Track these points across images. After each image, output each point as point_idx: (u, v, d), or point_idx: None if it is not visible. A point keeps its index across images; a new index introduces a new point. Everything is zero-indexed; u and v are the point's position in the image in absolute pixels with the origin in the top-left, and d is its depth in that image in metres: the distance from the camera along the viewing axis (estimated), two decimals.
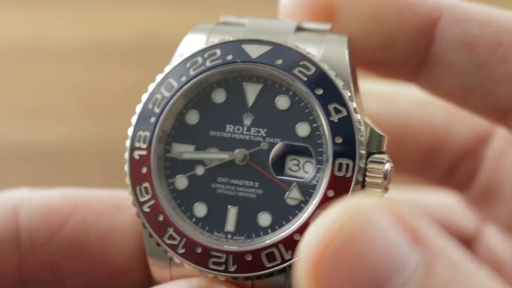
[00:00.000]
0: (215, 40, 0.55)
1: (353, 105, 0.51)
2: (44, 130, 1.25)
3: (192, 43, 0.55)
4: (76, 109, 1.28)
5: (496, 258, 0.71)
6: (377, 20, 0.55)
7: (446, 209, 0.74)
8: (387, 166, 0.51)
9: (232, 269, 0.51)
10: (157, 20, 1.34)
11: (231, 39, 0.54)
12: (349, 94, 0.51)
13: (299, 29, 0.56)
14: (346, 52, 0.53)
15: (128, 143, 0.54)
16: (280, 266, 0.51)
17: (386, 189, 0.52)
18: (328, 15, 0.56)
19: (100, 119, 1.26)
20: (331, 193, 0.50)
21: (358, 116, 0.51)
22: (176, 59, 0.54)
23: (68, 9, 1.35)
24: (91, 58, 1.32)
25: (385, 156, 0.52)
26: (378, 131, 0.52)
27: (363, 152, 0.51)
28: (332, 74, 0.52)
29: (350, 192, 0.50)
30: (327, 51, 0.53)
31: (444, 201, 0.74)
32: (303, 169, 0.53)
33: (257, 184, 0.53)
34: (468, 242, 0.72)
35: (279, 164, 0.53)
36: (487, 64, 0.54)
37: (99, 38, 1.33)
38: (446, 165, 0.69)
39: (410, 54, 0.56)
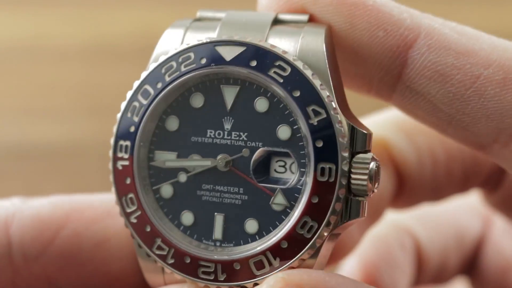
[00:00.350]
0: (191, 37, 0.53)
1: (332, 105, 0.49)
2: (44, 130, 1.26)
3: (170, 39, 0.54)
4: (76, 109, 1.28)
5: (505, 258, 0.71)
6: (349, 32, 0.53)
7: (455, 214, 0.73)
8: (372, 165, 0.49)
9: (222, 278, 0.51)
10: (157, 20, 1.34)
11: (204, 40, 0.52)
12: (328, 94, 0.49)
13: (276, 21, 0.54)
14: (324, 46, 0.51)
15: (110, 153, 0.53)
16: (268, 274, 0.50)
17: (373, 191, 0.50)
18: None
19: (100, 119, 1.26)
20: (315, 199, 0.49)
21: (339, 117, 0.49)
22: (152, 65, 0.53)
23: (68, 9, 1.35)
24: (91, 58, 1.32)
25: (370, 155, 0.50)
26: (361, 130, 0.50)
27: (346, 154, 0.49)
28: (308, 73, 0.50)
29: (334, 197, 0.49)
30: (304, 45, 0.51)
31: (452, 206, 0.74)
32: (290, 170, 0.51)
33: (241, 190, 0.52)
34: (477, 243, 0.72)
35: (264, 168, 0.52)
36: (462, 98, 0.51)
37: (99, 38, 1.33)
38: (478, 183, 0.67)
39: (381, 74, 0.53)
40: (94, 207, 0.57)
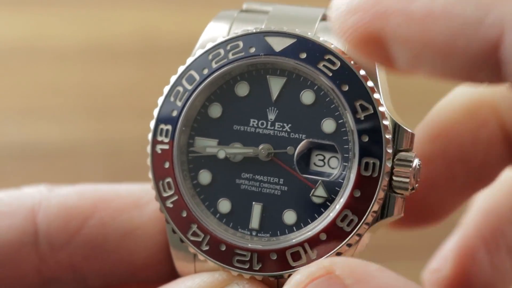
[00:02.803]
0: (238, 28, 0.54)
1: (380, 102, 0.50)
2: (44, 130, 1.25)
3: (215, 31, 0.55)
4: (76, 109, 1.27)
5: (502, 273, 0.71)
6: (427, 51, 0.45)
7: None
8: (415, 163, 0.50)
9: (257, 267, 0.51)
10: (157, 20, 1.34)
11: (254, 30, 0.53)
12: (376, 90, 0.50)
13: (325, 17, 0.54)
14: None
15: (150, 136, 0.54)
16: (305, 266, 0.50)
17: (414, 188, 0.50)
18: (375, 48, 0.47)
19: (100, 119, 1.26)
20: (357, 193, 0.50)
21: (385, 113, 0.50)
22: (198, 51, 0.53)
23: (68, 9, 1.35)
24: (91, 58, 1.31)
25: (413, 154, 0.50)
26: (405, 127, 0.51)
27: (390, 151, 0.50)
28: (357, 69, 0.51)
29: (377, 192, 0.49)
30: None
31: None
32: (328, 165, 0.52)
33: (281, 180, 0.52)
34: None
35: (304, 160, 0.52)
36: None
37: (99, 38, 1.33)
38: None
39: (474, 75, 0.46)
40: (121, 197, 0.57)
